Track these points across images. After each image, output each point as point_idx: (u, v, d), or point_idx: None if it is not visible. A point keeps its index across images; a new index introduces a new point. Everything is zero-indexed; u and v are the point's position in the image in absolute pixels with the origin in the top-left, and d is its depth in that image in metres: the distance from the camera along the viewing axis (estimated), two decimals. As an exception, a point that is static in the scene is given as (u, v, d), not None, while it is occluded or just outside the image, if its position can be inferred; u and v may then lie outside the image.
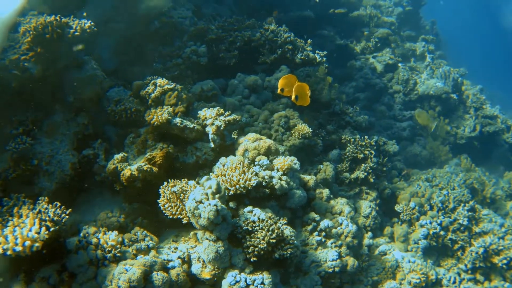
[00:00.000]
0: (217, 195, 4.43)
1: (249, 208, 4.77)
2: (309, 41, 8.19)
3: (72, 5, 7.77)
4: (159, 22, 7.95)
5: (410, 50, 12.06)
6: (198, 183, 5.26)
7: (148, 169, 5.24)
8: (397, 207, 7.44)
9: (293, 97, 4.71)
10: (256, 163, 5.32)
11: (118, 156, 5.36)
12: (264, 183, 5.10)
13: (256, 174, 5.14)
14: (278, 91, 4.87)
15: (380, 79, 11.13)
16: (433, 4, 14.46)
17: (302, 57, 7.75)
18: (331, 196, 6.55)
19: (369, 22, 12.15)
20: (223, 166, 5.30)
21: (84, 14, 5.98)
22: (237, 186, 4.75)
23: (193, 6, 8.58)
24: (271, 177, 5.16)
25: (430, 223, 7.22)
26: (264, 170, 5.24)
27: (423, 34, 12.92)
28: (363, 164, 7.35)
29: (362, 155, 7.37)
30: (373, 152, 7.46)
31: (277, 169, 5.27)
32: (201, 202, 4.35)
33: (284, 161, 5.26)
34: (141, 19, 8.22)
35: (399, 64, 11.46)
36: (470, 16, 40.68)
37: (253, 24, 8.12)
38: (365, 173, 7.23)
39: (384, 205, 7.72)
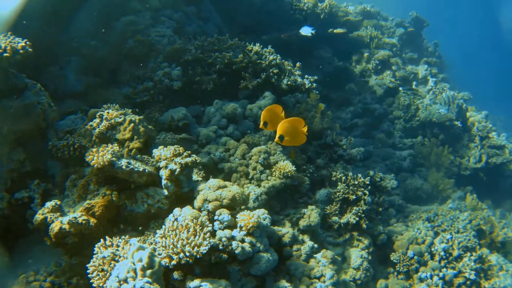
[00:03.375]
0: (148, 271, 3.15)
1: (196, 283, 3.47)
2: (298, 64, 6.90)
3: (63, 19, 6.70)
4: (133, 40, 6.73)
5: (412, 73, 10.70)
6: (144, 241, 3.99)
7: (84, 222, 3.98)
8: (393, 257, 6.09)
9: (276, 137, 3.40)
10: (216, 217, 4.03)
11: (49, 205, 4.10)
12: (221, 247, 3.80)
13: (212, 235, 3.85)
14: (261, 125, 3.58)
15: (380, 104, 9.79)
16: (435, 22, 13.06)
17: (289, 82, 6.45)
18: (315, 247, 5.24)
19: (370, 43, 10.82)
20: (176, 220, 4.02)
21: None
22: (181, 255, 3.45)
23: (175, 24, 7.35)
24: (231, 239, 3.86)
25: (431, 277, 5.87)
26: (224, 229, 3.94)
27: (426, 56, 11.57)
28: (355, 207, 6.01)
29: (354, 196, 6.02)
30: (367, 192, 6.11)
31: (240, 228, 3.96)
32: (125, 281, 3.07)
33: (249, 218, 3.96)
34: (116, 37, 7.03)
35: (400, 88, 10.11)
36: (472, 33, 38.92)
37: (237, 45, 6.85)
38: (357, 218, 5.89)
39: (378, 250, 6.38)
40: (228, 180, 5.67)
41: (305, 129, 3.47)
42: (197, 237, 3.61)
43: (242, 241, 3.89)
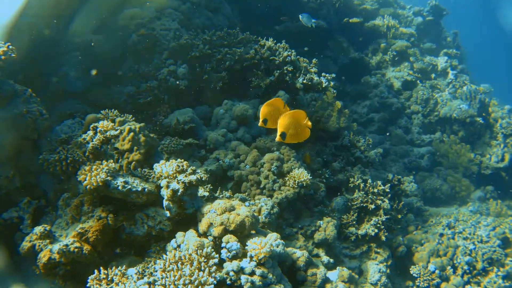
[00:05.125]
0: (144, 324, 2.62)
1: (200, 329, 2.94)
2: (314, 60, 6.24)
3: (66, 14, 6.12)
4: (137, 35, 6.12)
5: (430, 64, 9.93)
6: (143, 271, 3.46)
7: (76, 249, 3.46)
8: (413, 270, 5.53)
9: (277, 136, 2.83)
10: (223, 245, 3.47)
11: (37, 231, 3.58)
12: (228, 281, 3.26)
13: (219, 265, 3.31)
14: (260, 122, 2.99)
15: (397, 98, 9.09)
16: (454, 10, 12.13)
17: (305, 81, 5.82)
18: (331, 262, 4.74)
19: (387, 33, 10.06)
20: (178, 247, 3.49)
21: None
22: (183, 298, 2.91)
23: (181, 16, 6.70)
24: (240, 271, 3.31)
25: (455, 294, 5.30)
26: (232, 258, 3.39)
27: (445, 47, 10.72)
28: (373, 217, 5.43)
29: (373, 206, 5.44)
30: (386, 201, 5.53)
31: (251, 257, 3.41)
32: (116, 337, 2.54)
33: (260, 247, 3.40)
34: (119, 31, 6.42)
35: (418, 82, 9.38)
36: (482, 16, 36.98)
37: (248, 39, 6.19)
38: (376, 230, 5.31)
39: (397, 261, 5.81)
40: (238, 189, 5.13)
41: (308, 121, 2.89)
42: (201, 273, 3.06)
43: (252, 273, 3.34)
